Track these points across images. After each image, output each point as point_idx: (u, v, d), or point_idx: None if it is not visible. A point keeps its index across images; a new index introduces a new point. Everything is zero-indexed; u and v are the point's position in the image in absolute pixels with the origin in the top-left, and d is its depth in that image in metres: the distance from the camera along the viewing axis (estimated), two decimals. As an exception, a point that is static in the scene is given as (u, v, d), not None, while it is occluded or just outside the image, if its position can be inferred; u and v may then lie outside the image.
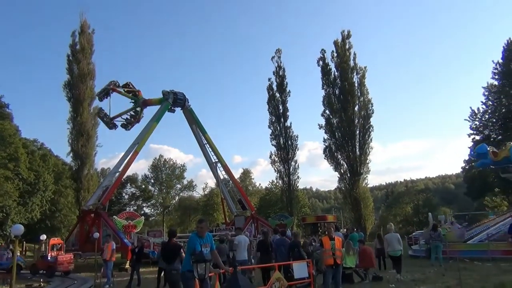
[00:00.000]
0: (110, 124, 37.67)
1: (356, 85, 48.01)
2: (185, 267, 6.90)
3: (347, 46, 49.33)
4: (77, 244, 28.67)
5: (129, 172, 49.97)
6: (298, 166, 51.16)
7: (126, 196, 68.95)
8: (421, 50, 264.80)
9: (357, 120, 47.30)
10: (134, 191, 69.43)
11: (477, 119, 44.38)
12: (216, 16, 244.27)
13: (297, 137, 51.23)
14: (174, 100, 35.15)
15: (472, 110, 44.60)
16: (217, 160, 37.96)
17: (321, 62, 50.35)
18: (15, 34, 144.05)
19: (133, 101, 37.45)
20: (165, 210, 69.92)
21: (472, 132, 44.65)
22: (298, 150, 51.49)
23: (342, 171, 47.77)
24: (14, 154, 36.51)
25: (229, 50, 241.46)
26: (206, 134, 37.79)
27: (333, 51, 49.73)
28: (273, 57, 53.23)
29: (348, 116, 46.91)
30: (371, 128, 47.49)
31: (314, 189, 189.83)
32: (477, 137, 43.92)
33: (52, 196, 43.65)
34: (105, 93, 37.29)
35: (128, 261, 20.77)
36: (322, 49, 50.67)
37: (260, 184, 79.82)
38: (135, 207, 66.40)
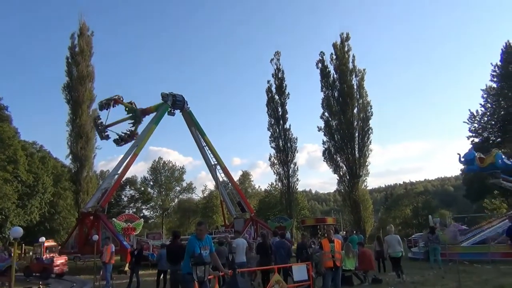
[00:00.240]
0: (103, 133, 37.03)
1: (355, 87, 48.08)
2: (185, 269, 6.88)
3: (346, 49, 49.43)
4: (76, 247, 28.64)
5: (128, 175, 49.91)
6: (297, 168, 51.19)
7: (125, 199, 68.94)
8: (420, 52, 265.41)
9: (356, 122, 47.33)
10: (133, 194, 69.42)
11: (476, 122, 44.45)
12: (215, 19, 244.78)
13: (296, 139, 51.26)
14: (173, 103, 35.09)
15: (471, 112, 44.69)
16: (216, 162, 37.92)
17: (320, 65, 50.45)
18: (14, 37, 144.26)
19: (132, 113, 36.85)
20: (165, 212, 69.90)
21: (471, 134, 44.74)
22: (297, 152, 51.51)
23: (341, 174, 47.80)
24: (13, 156, 36.51)
25: (228, 53, 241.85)
26: (205, 136, 37.74)
27: (332, 54, 49.86)
28: (272, 60, 53.37)
29: (347, 118, 46.94)
30: (370, 130, 47.62)
31: (313, 192, 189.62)
32: (476, 140, 44.01)
33: (51, 199, 43.62)
34: (107, 104, 36.67)
35: (127, 264, 20.75)
36: (321, 52, 50.84)
37: (259, 186, 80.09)
38: (134, 210, 66.30)
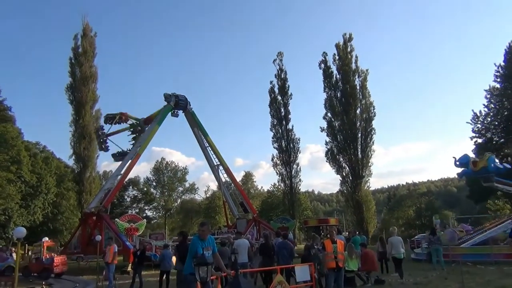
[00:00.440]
0: (104, 144, 36.92)
1: (357, 88, 48.12)
2: (187, 270, 6.89)
3: (348, 49, 49.49)
4: (79, 247, 28.76)
5: (131, 175, 49.98)
6: (300, 169, 51.29)
7: (128, 199, 69.06)
8: (423, 53, 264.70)
9: (359, 123, 47.34)
10: (136, 194, 69.50)
11: (479, 122, 44.22)
12: (218, 19, 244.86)
13: (299, 140, 51.35)
14: (176, 103, 35.17)
15: (474, 113, 44.47)
16: (219, 163, 37.98)
17: (322, 65, 50.50)
18: (18, 37, 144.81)
19: (135, 123, 36.89)
20: (167, 213, 70.01)
21: (474, 135, 44.54)
22: (300, 153, 51.65)
23: (344, 174, 47.81)
24: (17, 156, 36.56)
25: (231, 53, 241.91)
26: (208, 137, 37.81)
27: (334, 54, 50.00)
28: (274, 60, 53.44)
29: (350, 119, 46.93)
30: (373, 131, 47.63)
31: (316, 192, 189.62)
32: (479, 140, 43.80)
33: (54, 199, 43.67)
34: (112, 118, 36.65)
35: (130, 264, 20.76)
36: (324, 52, 50.95)
37: (262, 187, 79.95)
38: (137, 210, 66.45)
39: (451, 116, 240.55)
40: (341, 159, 47.84)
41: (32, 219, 39.53)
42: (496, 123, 43.02)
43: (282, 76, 52.60)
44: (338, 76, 49.16)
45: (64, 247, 32.05)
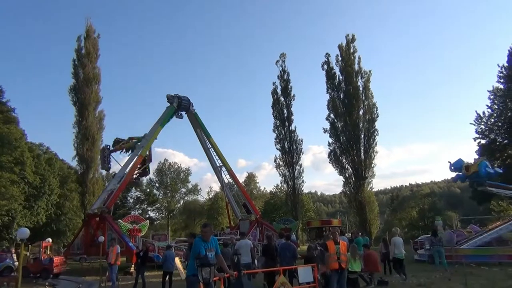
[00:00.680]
0: (107, 164, 36.35)
1: (360, 89, 48.01)
2: (190, 271, 6.89)
3: (351, 50, 49.40)
4: (82, 248, 28.74)
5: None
6: (302, 170, 51.24)
7: (131, 200, 69.07)
8: (427, 54, 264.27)
9: (361, 124, 47.24)
10: (139, 195, 69.51)
11: (482, 123, 44.14)
12: (220, 20, 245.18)
13: (301, 141, 51.26)
14: (178, 104, 35.20)
15: (478, 114, 44.40)
16: (221, 164, 37.97)
17: (325, 66, 50.48)
18: (21, 39, 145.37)
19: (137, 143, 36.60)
20: (170, 214, 70.03)
21: (478, 136, 44.45)
22: (302, 154, 51.52)
23: (347, 175, 47.72)
24: (20, 158, 36.63)
25: (234, 54, 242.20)
26: (211, 138, 37.82)
27: (337, 55, 49.90)
28: (277, 61, 53.49)
29: (353, 120, 46.86)
30: (376, 132, 47.49)
31: (319, 193, 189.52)
32: (483, 141, 43.73)
33: (57, 200, 43.76)
34: (120, 143, 35.96)
35: (133, 265, 20.81)
36: (327, 53, 50.88)
37: (264, 188, 79.97)
38: (140, 211, 66.45)
39: (455, 117, 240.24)
40: (344, 160, 47.78)
41: (35, 220, 39.61)
42: (500, 124, 42.91)
43: (285, 78, 52.64)
44: (341, 77, 49.10)
45: (67, 248, 32.09)
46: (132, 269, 21.56)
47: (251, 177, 78.04)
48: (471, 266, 14.19)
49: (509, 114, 41.80)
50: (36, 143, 48.85)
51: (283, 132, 51.11)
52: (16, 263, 25.01)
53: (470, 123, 44.94)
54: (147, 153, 34.94)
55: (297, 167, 50.61)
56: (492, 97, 44.04)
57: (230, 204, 39.78)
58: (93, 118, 46.44)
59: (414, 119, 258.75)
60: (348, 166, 47.49)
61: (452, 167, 23.29)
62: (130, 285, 15.44)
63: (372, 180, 48.15)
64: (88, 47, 47.63)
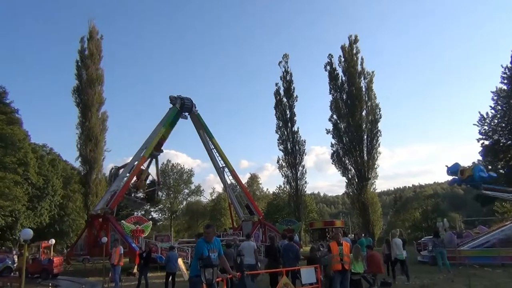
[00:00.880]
0: (137, 203, 36.57)
1: (363, 90, 47.93)
2: (193, 272, 6.90)
3: (354, 51, 49.34)
4: (85, 249, 28.83)
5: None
6: (305, 171, 51.05)
7: (134, 201, 69.00)
8: (430, 54, 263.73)
9: (364, 125, 47.14)
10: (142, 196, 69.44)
11: (486, 124, 43.92)
12: (220, 20, 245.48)
13: (304, 142, 51.18)
14: (181, 105, 35.25)
15: (481, 114, 44.20)
16: (224, 165, 37.97)
17: (328, 67, 50.39)
18: (24, 40, 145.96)
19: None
20: (173, 215, 70.09)
21: (481, 137, 44.27)
22: (305, 155, 51.52)
23: (349, 176, 47.56)
24: (24, 159, 36.81)
25: (234, 55, 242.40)
26: (213, 139, 37.83)
27: (340, 56, 49.81)
28: (280, 62, 53.47)
29: (356, 121, 46.77)
30: (379, 133, 47.35)
31: (321, 194, 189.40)
32: (486, 142, 43.53)
33: (60, 201, 43.96)
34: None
35: (136, 266, 20.82)
36: (330, 54, 50.82)
37: (267, 189, 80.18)
38: (143, 212, 66.51)
39: (458, 118, 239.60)
40: (347, 161, 47.65)
41: (38, 221, 39.81)
42: (503, 124, 42.70)
43: (288, 78, 52.61)
44: (343, 78, 49.03)
45: (70, 248, 32.15)
46: (135, 270, 21.60)
47: (254, 178, 78.12)
48: (474, 267, 14.16)
49: (513, 115, 41.61)
50: (39, 144, 49.14)
51: (286, 133, 51.06)
52: (16, 264, 25.20)
53: (474, 124, 44.66)
54: (155, 178, 35.32)
55: (300, 168, 50.53)
56: (495, 98, 43.82)
57: (233, 205, 39.76)
58: (96, 119, 46.46)
59: (415, 119, 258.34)
60: (351, 167, 47.37)
61: (449, 171, 23.45)
62: (133, 286, 15.47)
63: (375, 181, 48.09)
64: (92, 48, 47.69)
